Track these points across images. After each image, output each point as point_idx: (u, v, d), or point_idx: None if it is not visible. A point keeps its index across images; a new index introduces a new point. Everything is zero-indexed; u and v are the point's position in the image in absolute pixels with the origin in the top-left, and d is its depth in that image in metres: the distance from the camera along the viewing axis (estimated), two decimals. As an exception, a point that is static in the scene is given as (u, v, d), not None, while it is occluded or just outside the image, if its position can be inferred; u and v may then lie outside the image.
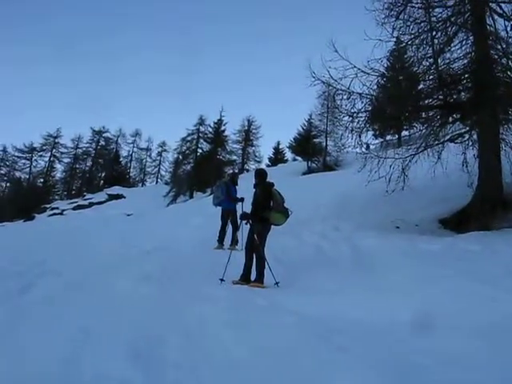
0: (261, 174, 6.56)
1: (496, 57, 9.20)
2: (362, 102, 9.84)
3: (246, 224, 6.33)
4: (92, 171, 55.27)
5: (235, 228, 8.74)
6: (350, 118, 9.87)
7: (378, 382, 2.67)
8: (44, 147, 54.12)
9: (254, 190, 6.47)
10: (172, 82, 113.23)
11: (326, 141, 34.75)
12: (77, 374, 2.84)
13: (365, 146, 10.73)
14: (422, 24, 9.64)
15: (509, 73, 8.95)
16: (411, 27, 9.71)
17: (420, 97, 9.88)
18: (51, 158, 54.03)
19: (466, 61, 9.52)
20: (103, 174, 55.27)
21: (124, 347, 3.21)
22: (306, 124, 37.85)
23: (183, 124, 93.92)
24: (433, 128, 9.78)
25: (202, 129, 43.16)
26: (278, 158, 46.84)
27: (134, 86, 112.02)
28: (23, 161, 53.55)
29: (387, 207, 10.42)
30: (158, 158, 56.31)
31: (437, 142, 9.88)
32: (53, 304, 4.50)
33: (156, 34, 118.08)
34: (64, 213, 38.15)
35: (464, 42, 9.59)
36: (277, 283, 5.70)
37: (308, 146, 35.15)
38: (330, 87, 10.33)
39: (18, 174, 53.02)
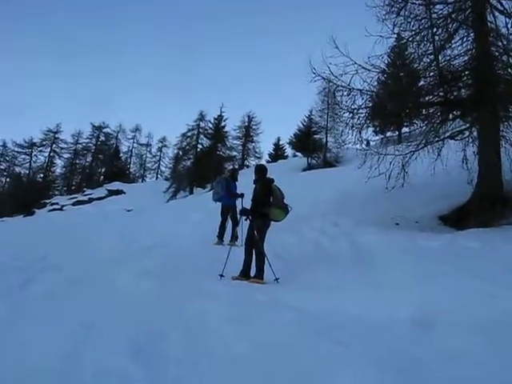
0: (261, 170, 6.57)
1: (497, 54, 9.18)
2: (363, 99, 9.84)
3: (246, 220, 6.33)
4: (92, 167, 55.19)
5: (235, 224, 8.74)
6: (351, 115, 9.86)
7: (377, 378, 2.69)
8: (44, 142, 54.03)
9: (253, 185, 6.47)
10: (172, 77, 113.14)
11: (327, 137, 34.66)
12: (78, 369, 2.85)
13: (365, 142, 10.68)
14: (423, 20, 9.60)
15: (509, 70, 8.92)
16: (412, 24, 9.68)
17: (420, 93, 9.85)
18: (51, 154, 54.00)
19: (466, 58, 9.49)
20: (103, 170, 55.24)
21: (125, 342, 3.23)
22: (306, 120, 37.80)
23: (183, 119, 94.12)
24: (433, 125, 9.76)
25: (202, 124, 43.19)
26: (278, 154, 46.78)
27: (134, 81, 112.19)
28: (23, 156, 53.55)
29: (387, 204, 10.43)
30: (158, 153, 56.50)
31: (437, 139, 9.88)
32: (53, 299, 4.52)
33: (156, 29, 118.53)
34: (64, 208, 38.17)
35: (465, 39, 9.58)
36: (276, 279, 5.71)
37: (308, 142, 35.03)
38: (331, 83, 10.29)
39: (17, 169, 53.16)
